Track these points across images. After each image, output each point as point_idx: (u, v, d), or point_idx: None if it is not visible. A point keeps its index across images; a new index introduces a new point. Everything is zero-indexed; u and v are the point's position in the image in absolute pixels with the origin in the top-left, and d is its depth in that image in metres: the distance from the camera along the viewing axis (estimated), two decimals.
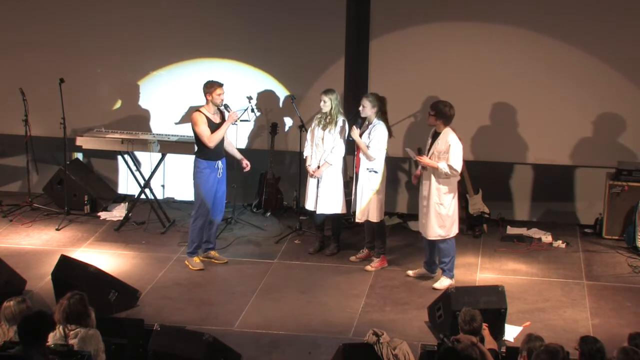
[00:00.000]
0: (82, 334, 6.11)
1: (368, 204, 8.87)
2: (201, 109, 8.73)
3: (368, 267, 9.05)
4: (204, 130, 8.65)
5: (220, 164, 8.84)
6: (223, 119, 8.83)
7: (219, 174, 8.84)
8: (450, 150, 8.23)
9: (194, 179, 8.89)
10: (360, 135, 8.82)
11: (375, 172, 8.82)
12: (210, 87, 8.68)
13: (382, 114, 8.80)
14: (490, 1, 9.91)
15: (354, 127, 8.82)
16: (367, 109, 8.75)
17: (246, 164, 9.06)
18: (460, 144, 8.33)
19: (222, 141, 8.83)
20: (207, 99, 8.71)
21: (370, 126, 8.80)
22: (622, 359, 5.69)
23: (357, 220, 9.03)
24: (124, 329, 6.91)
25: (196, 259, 9.02)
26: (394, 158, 10.27)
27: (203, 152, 8.76)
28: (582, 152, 10.04)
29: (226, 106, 8.83)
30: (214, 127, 8.70)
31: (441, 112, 8.32)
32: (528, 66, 9.91)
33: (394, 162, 10.40)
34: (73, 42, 10.59)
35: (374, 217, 8.90)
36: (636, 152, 9.95)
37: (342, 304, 8.29)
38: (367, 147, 8.74)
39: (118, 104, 10.75)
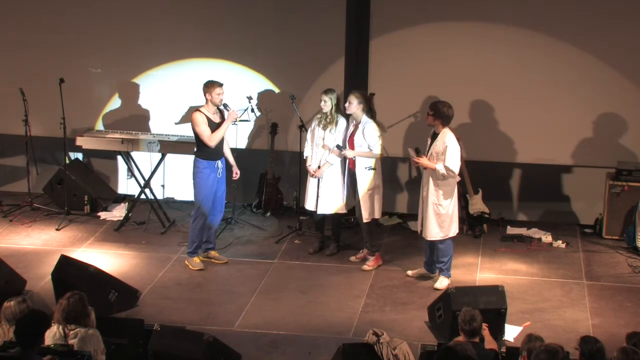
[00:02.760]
0: (81, 334, 6.12)
1: (372, 203, 8.88)
2: (201, 109, 8.74)
3: (365, 267, 9.06)
4: (204, 130, 8.65)
5: (219, 163, 8.85)
6: (223, 119, 8.84)
7: (219, 174, 8.85)
8: (447, 151, 8.23)
9: (193, 179, 8.89)
10: (353, 135, 8.83)
11: (373, 169, 8.84)
12: (210, 86, 8.68)
13: (370, 112, 8.82)
14: (491, 1, 9.91)
15: (337, 149, 8.82)
16: (353, 105, 8.75)
17: (236, 172, 9.06)
18: (458, 145, 8.32)
19: (222, 141, 8.84)
20: (206, 99, 8.72)
21: (360, 125, 8.80)
22: (622, 359, 5.69)
23: (365, 221, 8.97)
24: (124, 329, 6.91)
25: (196, 259, 9.02)
26: (393, 158, 10.28)
27: (203, 151, 8.77)
28: (582, 152, 10.03)
29: (225, 105, 8.84)
30: (214, 126, 8.71)
31: (440, 112, 8.32)
32: (528, 66, 9.90)
33: (393, 162, 10.41)
34: (73, 42, 10.58)
35: (378, 214, 8.96)
36: (636, 152, 9.95)
37: (342, 304, 8.29)
38: (369, 149, 8.74)
39: (114, 102, 10.73)
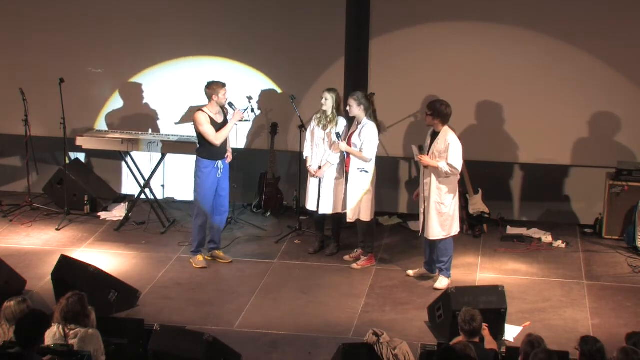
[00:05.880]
0: (82, 334, 6.12)
1: (359, 203, 8.88)
2: (203, 109, 8.77)
3: (354, 265, 9.07)
4: (209, 130, 8.69)
5: (220, 163, 8.87)
6: (225, 118, 8.86)
7: (219, 174, 8.86)
8: (449, 149, 8.24)
9: (194, 178, 8.92)
10: (352, 135, 8.83)
11: (366, 172, 8.83)
12: (216, 87, 8.72)
13: (371, 112, 8.82)
14: (491, 1, 9.91)
15: (338, 141, 8.82)
16: (354, 107, 8.76)
17: (228, 156, 8.97)
18: (459, 143, 8.33)
19: (225, 141, 8.87)
20: (211, 100, 8.74)
21: (359, 126, 8.80)
22: (622, 359, 5.69)
23: (348, 220, 9.02)
24: (124, 329, 6.91)
25: (199, 257, 9.04)
26: (394, 158, 10.28)
27: (205, 151, 8.80)
28: (582, 152, 10.03)
29: (231, 104, 8.89)
30: (217, 126, 8.76)
31: (438, 112, 8.32)
32: (528, 66, 9.90)
33: (394, 162, 10.41)
34: (73, 42, 10.58)
35: (365, 217, 8.92)
36: (636, 152, 9.95)
37: (342, 304, 8.29)
38: (360, 149, 8.74)
39: (114, 102, 10.72)
